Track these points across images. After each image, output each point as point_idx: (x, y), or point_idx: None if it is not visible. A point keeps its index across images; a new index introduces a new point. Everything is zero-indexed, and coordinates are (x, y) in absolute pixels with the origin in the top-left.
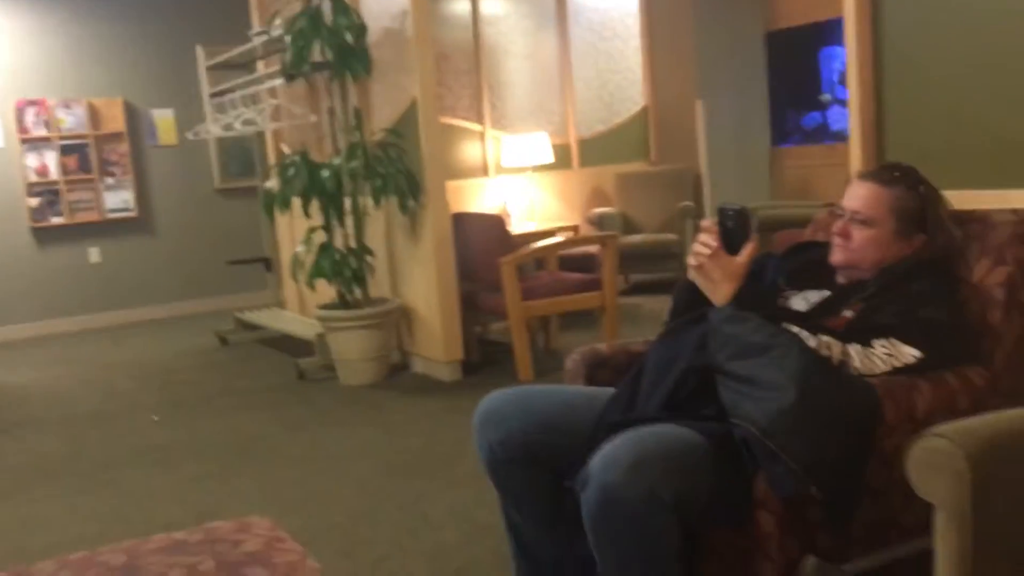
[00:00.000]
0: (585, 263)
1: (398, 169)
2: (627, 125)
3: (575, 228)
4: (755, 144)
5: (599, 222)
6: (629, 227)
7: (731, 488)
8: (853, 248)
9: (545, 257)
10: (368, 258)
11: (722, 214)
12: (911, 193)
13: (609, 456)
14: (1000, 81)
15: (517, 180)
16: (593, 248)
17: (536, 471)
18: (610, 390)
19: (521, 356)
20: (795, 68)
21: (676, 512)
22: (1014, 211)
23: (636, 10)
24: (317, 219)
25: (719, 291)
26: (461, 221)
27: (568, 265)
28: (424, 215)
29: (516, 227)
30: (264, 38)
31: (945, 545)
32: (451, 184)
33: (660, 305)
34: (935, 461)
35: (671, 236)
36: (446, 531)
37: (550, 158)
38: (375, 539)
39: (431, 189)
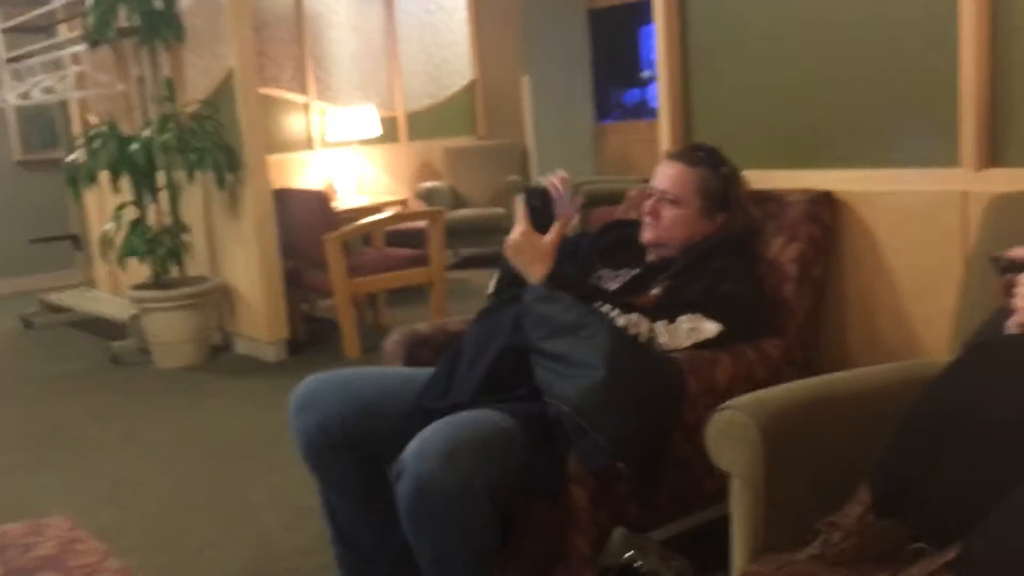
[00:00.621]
0: (414, 238)
1: (215, 143)
2: (455, 99)
3: (404, 202)
4: (580, 119)
5: (428, 196)
6: (458, 201)
7: (545, 467)
8: (662, 227)
9: (372, 233)
10: (184, 236)
11: (528, 193)
12: (714, 173)
13: (422, 446)
14: (794, 68)
15: (344, 154)
16: (421, 223)
17: (354, 457)
18: (430, 370)
19: (348, 333)
20: (616, 45)
21: (490, 498)
22: (805, 191)
23: None
24: (127, 194)
25: (532, 271)
26: (283, 197)
27: (397, 240)
28: (244, 190)
29: (343, 202)
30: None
31: (740, 511)
32: (274, 158)
33: (489, 279)
34: (730, 432)
35: (500, 210)
36: (268, 516)
37: (378, 131)
38: (192, 529)
39: (251, 163)
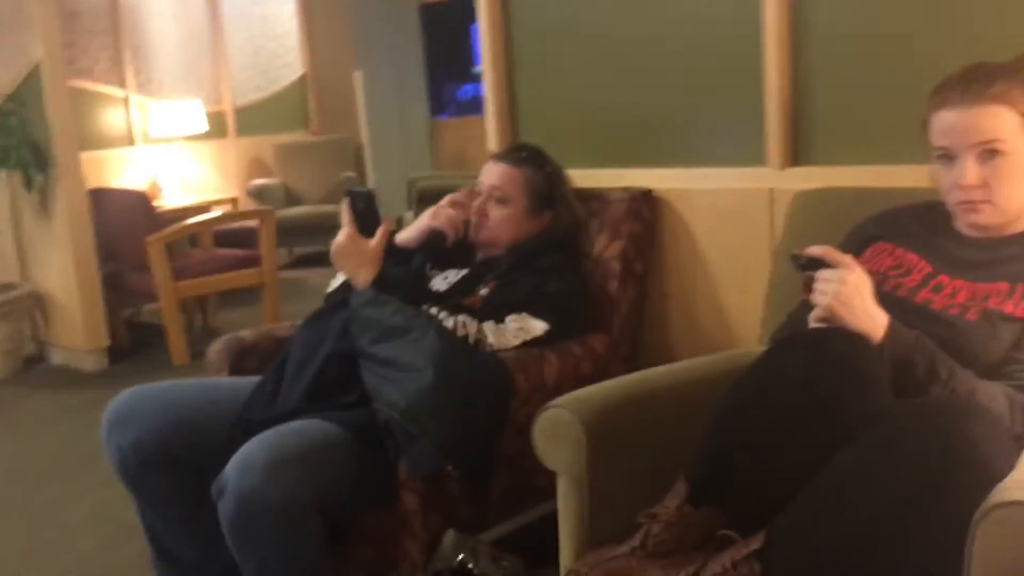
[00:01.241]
0: (245, 238)
1: (21, 140)
2: (285, 93)
3: (234, 201)
4: (414, 115)
5: (259, 194)
6: (291, 199)
7: (374, 474)
8: (490, 226)
9: (199, 234)
10: None
11: (352, 196)
12: (539, 172)
13: (245, 461)
14: (616, 68)
15: (168, 150)
16: (252, 222)
17: (174, 473)
18: (256, 380)
19: (175, 339)
20: (449, 41)
21: (318, 510)
22: (627, 189)
23: None
24: None
25: (359, 275)
26: (101, 197)
27: (227, 241)
28: (56, 190)
29: (169, 201)
30: None
31: (566, 508)
32: (90, 156)
33: (326, 278)
34: (555, 431)
35: (334, 208)
36: (86, 538)
37: (204, 127)
38: (0, 557)
39: (62, 162)
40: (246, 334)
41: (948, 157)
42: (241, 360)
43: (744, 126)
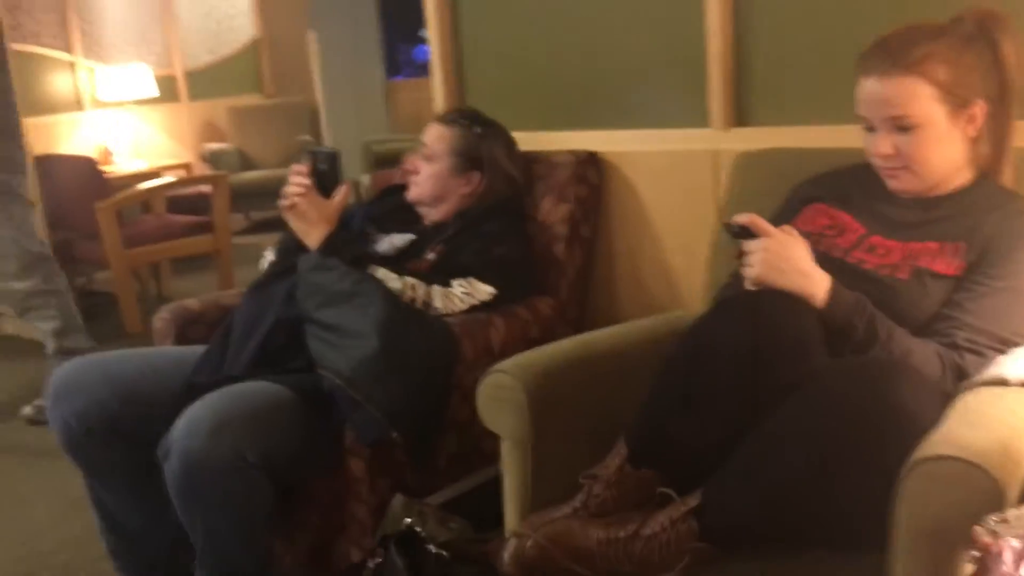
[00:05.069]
0: (200, 204)
1: None
2: (239, 56)
3: (187, 166)
4: (370, 77)
5: (213, 159)
6: (246, 163)
7: (321, 438)
8: (418, 183)
9: (152, 200)
10: None
11: (314, 157)
12: (468, 133)
13: (190, 421)
14: (560, 30)
15: (119, 115)
16: (206, 188)
17: (119, 444)
18: (202, 349)
19: (127, 307)
20: (402, 0)
21: (264, 471)
22: (572, 152)
23: None
24: None
25: (312, 233)
26: (47, 164)
27: (181, 207)
28: None
29: (121, 166)
30: None
31: (510, 471)
32: (36, 121)
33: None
34: (499, 396)
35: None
36: (36, 510)
37: (154, 91)
38: None
39: None
40: (192, 302)
41: (868, 126)
42: (187, 329)
43: (687, 88)
